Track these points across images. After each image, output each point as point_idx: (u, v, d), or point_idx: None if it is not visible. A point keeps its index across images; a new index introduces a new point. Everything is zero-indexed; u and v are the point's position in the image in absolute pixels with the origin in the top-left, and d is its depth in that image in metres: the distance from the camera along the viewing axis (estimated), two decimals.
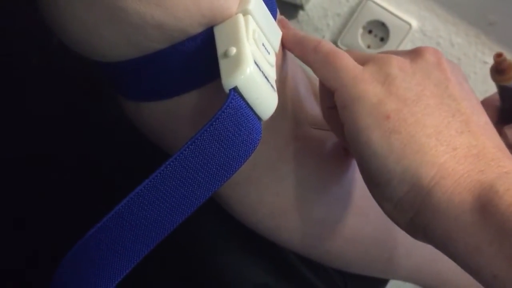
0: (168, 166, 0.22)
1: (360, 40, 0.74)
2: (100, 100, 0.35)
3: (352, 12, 0.75)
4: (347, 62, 0.27)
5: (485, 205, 0.22)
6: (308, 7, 0.77)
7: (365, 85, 0.26)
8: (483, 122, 0.26)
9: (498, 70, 0.40)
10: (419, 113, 0.25)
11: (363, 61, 0.28)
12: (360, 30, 0.74)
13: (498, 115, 0.44)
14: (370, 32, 0.74)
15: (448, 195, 0.23)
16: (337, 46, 0.75)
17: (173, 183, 0.22)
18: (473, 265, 0.22)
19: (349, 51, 0.29)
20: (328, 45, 0.28)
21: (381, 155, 0.25)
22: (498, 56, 0.39)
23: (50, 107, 0.36)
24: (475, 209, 0.22)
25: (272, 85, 0.25)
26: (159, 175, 0.22)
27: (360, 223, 0.35)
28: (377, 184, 0.26)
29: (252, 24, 0.25)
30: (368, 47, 0.75)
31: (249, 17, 0.25)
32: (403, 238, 0.27)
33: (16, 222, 0.35)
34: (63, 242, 0.24)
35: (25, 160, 0.34)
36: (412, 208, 0.25)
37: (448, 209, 0.23)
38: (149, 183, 0.22)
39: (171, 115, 0.28)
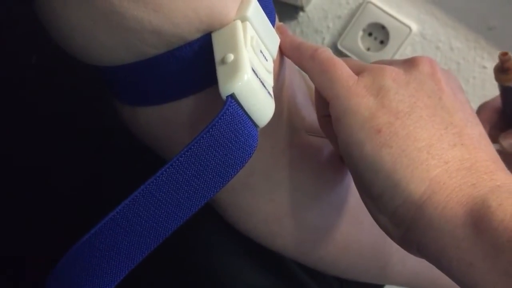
0: (164, 172, 0.22)
1: (360, 43, 0.74)
2: (97, 103, 0.35)
3: (352, 14, 0.75)
4: (342, 72, 0.27)
5: (477, 220, 0.22)
6: (308, 8, 0.77)
7: (358, 98, 0.26)
8: (477, 134, 0.26)
9: (502, 69, 0.40)
10: (411, 126, 0.25)
11: (358, 70, 0.28)
12: (360, 33, 0.74)
13: (499, 118, 0.43)
14: (370, 34, 0.74)
15: (440, 210, 0.23)
16: (337, 48, 0.75)
17: (169, 189, 0.22)
18: (467, 281, 0.22)
19: (345, 60, 0.29)
20: (324, 53, 0.28)
21: (372, 169, 0.25)
22: (504, 54, 0.39)
23: (48, 106, 0.35)
24: (468, 224, 0.22)
25: (269, 92, 0.25)
26: (154, 181, 0.22)
27: (355, 231, 0.35)
28: (370, 197, 0.26)
29: (250, 31, 0.25)
30: (368, 49, 0.75)
31: (247, 23, 0.25)
32: (397, 245, 0.27)
33: (10, 226, 0.35)
34: (57, 247, 0.24)
35: (22, 160, 0.34)
36: (405, 223, 0.25)
37: (440, 224, 0.23)
38: (145, 189, 0.22)
39: (168, 120, 0.28)
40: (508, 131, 0.41)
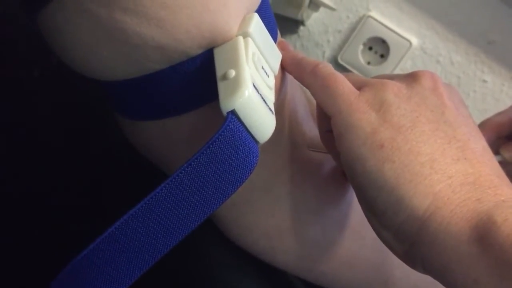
0: (164, 188, 0.22)
1: (361, 57, 0.75)
2: (99, 117, 0.35)
3: (352, 29, 0.75)
4: (344, 87, 0.27)
5: (483, 236, 0.21)
6: (309, 22, 0.78)
7: (359, 114, 0.26)
8: (481, 148, 0.26)
9: None
10: (414, 140, 0.25)
11: (360, 85, 0.28)
12: (361, 47, 0.75)
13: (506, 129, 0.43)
14: (370, 48, 0.75)
15: (445, 225, 0.23)
16: (337, 62, 0.76)
17: (168, 205, 0.22)
18: None
19: (346, 75, 0.29)
20: (325, 68, 0.28)
21: (375, 185, 0.25)
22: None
23: (50, 119, 0.35)
24: (473, 240, 0.22)
25: (270, 108, 0.25)
26: (154, 197, 0.22)
27: (357, 246, 0.34)
28: (373, 213, 0.26)
29: (252, 47, 0.25)
30: (368, 63, 0.75)
31: (249, 39, 0.25)
32: (400, 261, 0.27)
33: (8, 239, 0.34)
34: (56, 262, 0.24)
35: (22, 173, 0.34)
36: (409, 238, 0.24)
37: (445, 240, 0.23)
38: (144, 205, 0.22)
39: (168, 135, 0.28)
40: (510, 142, 0.41)
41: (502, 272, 0.21)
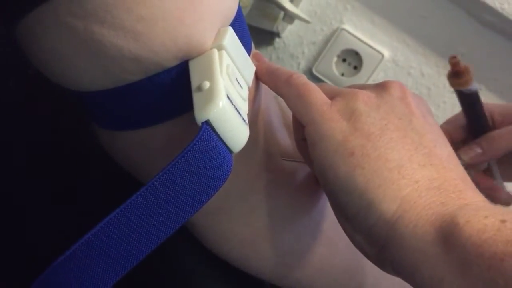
0: (139, 196, 0.22)
1: (335, 68, 0.76)
2: (75, 126, 0.35)
3: (327, 41, 0.77)
4: (317, 97, 0.28)
5: (447, 237, 0.22)
6: (284, 34, 0.79)
7: (331, 122, 0.27)
8: (446, 154, 0.27)
9: (454, 73, 0.41)
10: (382, 147, 0.26)
11: (332, 95, 0.29)
12: (335, 58, 0.76)
13: (465, 132, 0.45)
14: (344, 60, 0.76)
15: (411, 228, 0.24)
16: (312, 73, 0.77)
17: (143, 213, 0.23)
18: None
19: (319, 85, 0.30)
20: (299, 78, 0.29)
21: (346, 190, 0.26)
22: (453, 57, 0.41)
23: (25, 131, 0.35)
24: (438, 241, 0.23)
25: (244, 119, 0.26)
26: (129, 204, 0.22)
27: (330, 253, 0.35)
28: (345, 217, 0.27)
29: (226, 59, 0.26)
30: (342, 75, 0.77)
31: (224, 52, 0.26)
32: (371, 267, 0.28)
33: None
34: (32, 270, 0.24)
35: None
36: (379, 241, 0.25)
37: (411, 242, 0.23)
38: (120, 212, 0.22)
39: (144, 144, 0.28)
40: (468, 146, 0.43)
41: (464, 271, 0.21)
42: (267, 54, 0.80)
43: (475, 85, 0.43)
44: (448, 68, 0.42)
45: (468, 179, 0.27)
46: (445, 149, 0.27)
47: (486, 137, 0.43)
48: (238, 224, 0.32)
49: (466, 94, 0.43)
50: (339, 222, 0.28)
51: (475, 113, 0.44)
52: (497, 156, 0.43)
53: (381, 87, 0.29)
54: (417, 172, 0.25)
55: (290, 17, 0.72)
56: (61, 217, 0.35)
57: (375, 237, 0.25)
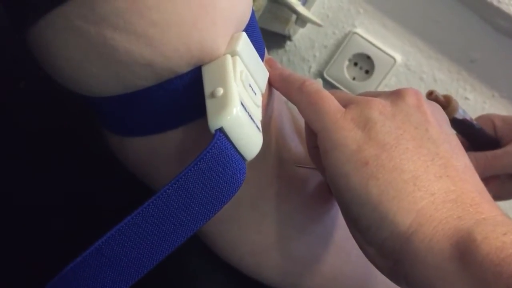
0: (151, 204, 0.22)
1: (346, 72, 0.76)
2: (85, 132, 0.35)
3: (338, 45, 0.76)
4: (330, 104, 0.28)
5: (463, 253, 0.22)
6: (295, 37, 0.79)
7: (345, 131, 0.26)
8: (463, 165, 0.26)
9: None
10: (398, 158, 0.25)
11: (346, 102, 0.28)
12: (346, 62, 0.76)
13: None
14: (355, 64, 0.76)
15: (427, 242, 0.23)
16: (323, 77, 0.77)
17: (155, 221, 0.22)
18: None
19: (333, 92, 0.29)
20: (312, 85, 0.29)
21: (359, 201, 0.25)
22: (430, 94, 0.42)
23: (36, 133, 0.35)
24: (454, 257, 0.22)
25: (257, 126, 0.25)
26: (141, 212, 0.22)
27: (341, 262, 0.35)
28: (358, 229, 0.26)
29: (240, 65, 0.25)
30: (354, 79, 0.76)
31: (237, 58, 0.25)
32: (383, 278, 0.27)
33: None
34: (41, 276, 0.24)
35: (8, 188, 0.34)
36: (392, 255, 0.24)
37: (427, 257, 0.23)
38: (131, 220, 0.22)
39: (156, 151, 0.28)
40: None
41: None
42: (278, 57, 0.79)
43: (460, 111, 0.45)
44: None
45: (485, 191, 0.26)
46: (462, 160, 0.27)
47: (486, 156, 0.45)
48: (249, 232, 0.31)
49: (460, 120, 0.45)
50: (351, 232, 0.28)
51: (473, 135, 0.47)
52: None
53: (396, 95, 0.28)
54: (433, 184, 0.24)
55: (302, 21, 0.72)
56: (72, 223, 0.35)
57: (389, 251, 0.25)
